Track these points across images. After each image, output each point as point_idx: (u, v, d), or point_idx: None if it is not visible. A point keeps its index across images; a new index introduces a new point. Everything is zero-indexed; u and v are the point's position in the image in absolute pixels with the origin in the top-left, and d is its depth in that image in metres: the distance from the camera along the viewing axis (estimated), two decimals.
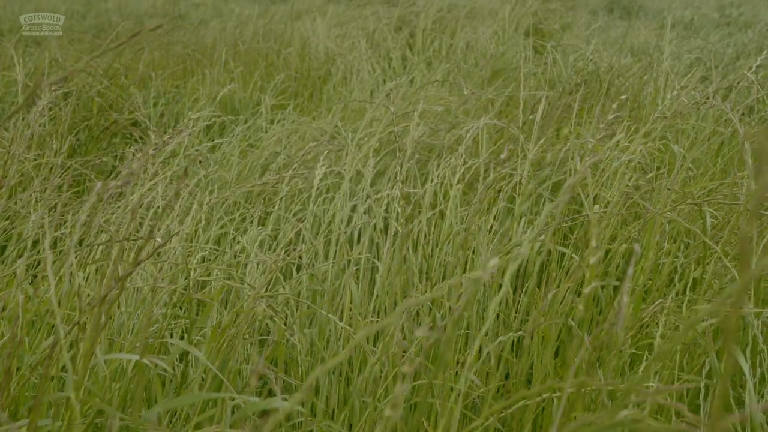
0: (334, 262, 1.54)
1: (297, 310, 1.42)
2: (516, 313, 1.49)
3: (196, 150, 2.45)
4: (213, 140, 3.03)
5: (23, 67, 2.73)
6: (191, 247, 1.57)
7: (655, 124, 2.17)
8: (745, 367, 1.23)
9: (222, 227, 1.81)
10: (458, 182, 1.71)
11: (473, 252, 1.56)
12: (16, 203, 1.70)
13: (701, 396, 1.28)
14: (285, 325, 1.33)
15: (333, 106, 3.24)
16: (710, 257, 1.46)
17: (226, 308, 1.37)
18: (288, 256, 1.34)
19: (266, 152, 2.50)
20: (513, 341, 1.46)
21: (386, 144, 2.45)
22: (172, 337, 1.23)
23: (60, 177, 2.02)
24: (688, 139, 2.31)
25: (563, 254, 1.66)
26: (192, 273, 1.36)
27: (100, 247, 1.38)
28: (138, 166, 0.94)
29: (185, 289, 1.26)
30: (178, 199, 1.57)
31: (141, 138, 2.88)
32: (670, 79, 2.85)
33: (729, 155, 2.10)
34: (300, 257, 1.65)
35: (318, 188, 1.92)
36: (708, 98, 3.32)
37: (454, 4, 5.69)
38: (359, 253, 1.54)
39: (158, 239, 1.00)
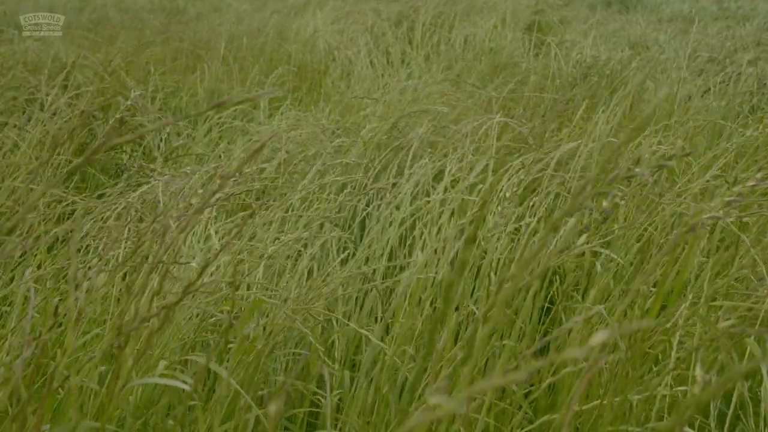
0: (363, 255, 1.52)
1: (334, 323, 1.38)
2: (541, 324, 1.48)
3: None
4: (211, 135, 3.01)
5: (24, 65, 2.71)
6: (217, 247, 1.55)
7: (666, 121, 2.17)
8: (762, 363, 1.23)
9: (230, 222, 1.79)
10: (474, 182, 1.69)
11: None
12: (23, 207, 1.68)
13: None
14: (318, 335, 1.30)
15: (332, 100, 3.22)
16: (740, 259, 1.43)
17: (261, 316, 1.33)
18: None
19: (267, 148, 2.48)
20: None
21: (386, 141, 2.43)
22: (203, 346, 1.21)
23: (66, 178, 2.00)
24: (705, 138, 2.29)
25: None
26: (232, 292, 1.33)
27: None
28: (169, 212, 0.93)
29: (227, 293, 1.24)
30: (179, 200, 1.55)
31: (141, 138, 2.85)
32: (675, 73, 2.85)
33: (754, 156, 2.05)
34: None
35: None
36: (709, 90, 3.32)
37: None
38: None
39: (193, 263, 1.00)
